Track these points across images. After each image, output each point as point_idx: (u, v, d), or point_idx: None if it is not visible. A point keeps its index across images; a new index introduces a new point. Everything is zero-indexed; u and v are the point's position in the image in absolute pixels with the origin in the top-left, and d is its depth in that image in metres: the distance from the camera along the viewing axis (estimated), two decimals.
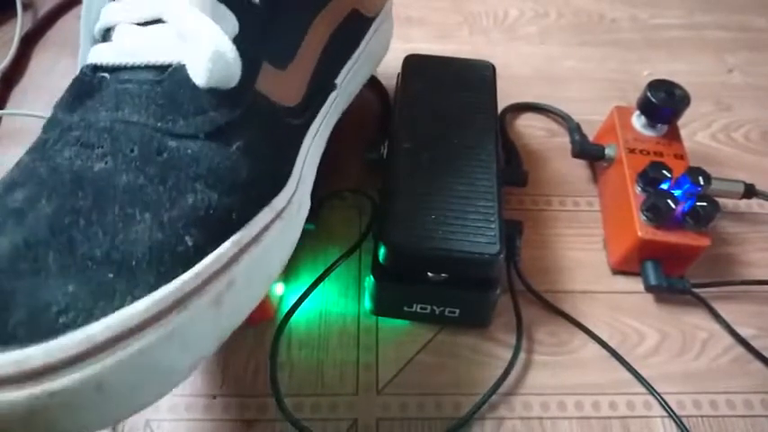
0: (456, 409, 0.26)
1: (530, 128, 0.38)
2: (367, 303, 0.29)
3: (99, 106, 0.19)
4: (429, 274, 0.26)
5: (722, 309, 0.30)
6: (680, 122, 0.33)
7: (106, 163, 0.18)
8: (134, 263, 0.16)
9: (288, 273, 0.30)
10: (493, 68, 0.33)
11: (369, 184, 0.33)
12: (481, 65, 0.34)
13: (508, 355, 0.28)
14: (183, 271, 0.17)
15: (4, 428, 0.14)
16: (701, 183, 0.29)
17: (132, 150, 0.18)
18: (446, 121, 0.30)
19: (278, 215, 0.21)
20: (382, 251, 0.25)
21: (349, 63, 0.29)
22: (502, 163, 0.33)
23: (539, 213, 0.34)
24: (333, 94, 0.27)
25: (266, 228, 0.20)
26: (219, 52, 0.19)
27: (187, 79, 0.19)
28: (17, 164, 0.19)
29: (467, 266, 0.25)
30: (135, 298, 0.16)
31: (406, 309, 0.27)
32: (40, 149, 0.19)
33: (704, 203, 0.28)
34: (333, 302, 0.29)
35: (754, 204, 0.35)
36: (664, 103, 0.31)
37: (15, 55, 0.40)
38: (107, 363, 0.15)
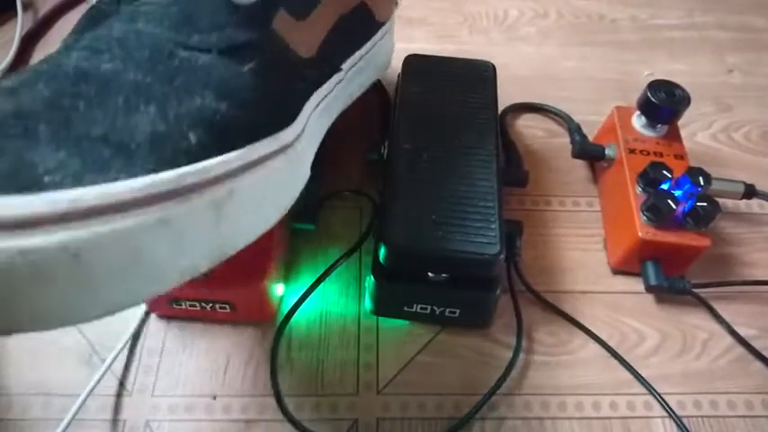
0: (456, 409, 0.26)
1: (530, 128, 0.38)
2: (367, 303, 0.29)
3: (113, 23, 0.19)
4: (429, 274, 0.26)
5: (722, 309, 0.30)
6: (680, 122, 0.33)
7: (113, 64, 0.17)
8: (133, 146, 0.15)
9: (288, 273, 0.30)
10: (493, 68, 0.33)
11: (369, 185, 0.33)
12: (481, 65, 0.34)
13: (508, 355, 0.28)
14: (185, 164, 0.16)
15: None
16: (702, 183, 0.29)
17: (142, 55, 0.18)
18: (446, 121, 0.30)
19: (282, 149, 0.21)
20: (382, 251, 0.25)
21: (355, 55, 0.29)
22: (502, 163, 0.33)
23: (539, 213, 0.34)
24: (337, 77, 0.27)
25: (271, 156, 0.20)
26: None
27: None
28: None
29: (467, 266, 0.25)
30: (131, 176, 0.15)
31: (406, 309, 0.27)
32: (42, 60, 0.18)
33: (704, 204, 0.28)
34: (333, 302, 0.29)
35: (754, 204, 0.35)
36: (664, 103, 0.31)
37: (15, 55, 0.40)
38: (90, 231, 0.14)
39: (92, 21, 0.19)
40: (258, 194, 0.19)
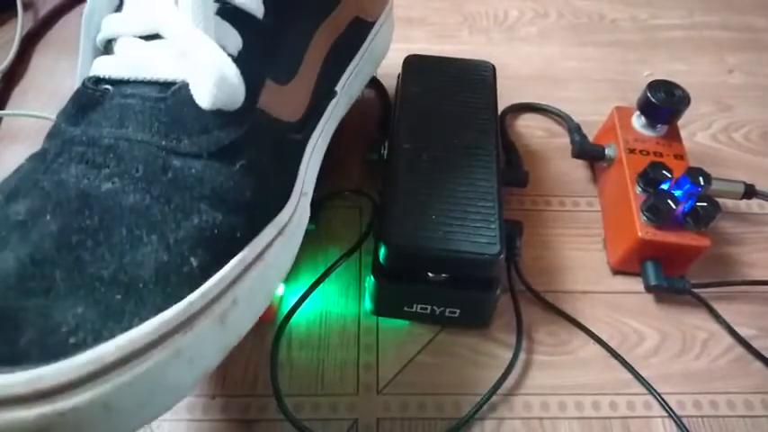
0: (456, 410, 0.26)
1: (530, 128, 0.38)
2: (367, 303, 0.29)
3: (102, 121, 0.19)
4: (429, 274, 0.26)
5: (722, 309, 0.30)
6: (680, 122, 0.33)
7: (113, 183, 0.18)
8: (141, 285, 0.16)
9: (288, 273, 0.30)
10: (493, 68, 0.33)
11: (369, 184, 0.33)
12: (481, 65, 0.34)
13: (508, 355, 0.28)
14: (190, 292, 0.17)
15: None
16: (701, 183, 0.29)
17: (137, 170, 0.18)
18: (446, 121, 0.30)
19: (280, 231, 0.21)
20: (382, 251, 0.25)
21: (349, 68, 0.29)
22: (502, 163, 0.33)
23: (539, 213, 0.34)
24: (332, 102, 0.27)
25: (269, 245, 0.20)
26: (224, 77, 0.19)
27: (191, 98, 0.19)
28: (17, 170, 0.19)
29: (467, 266, 0.25)
30: (143, 319, 0.16)
31: (406, 309, 0.27)
32: (41, 159, 0.19)
33: (704, 204, 0.28)
34: (333, 302, 0.29)
35: (754, 204, 0.35)
36: (664, 103, 0.31)
37: (15, 55, 0.40)
38: (116, 382, 0.15)
39: (82, 108, 0.20)
40: (260, 286, 0.20)
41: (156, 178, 0.18)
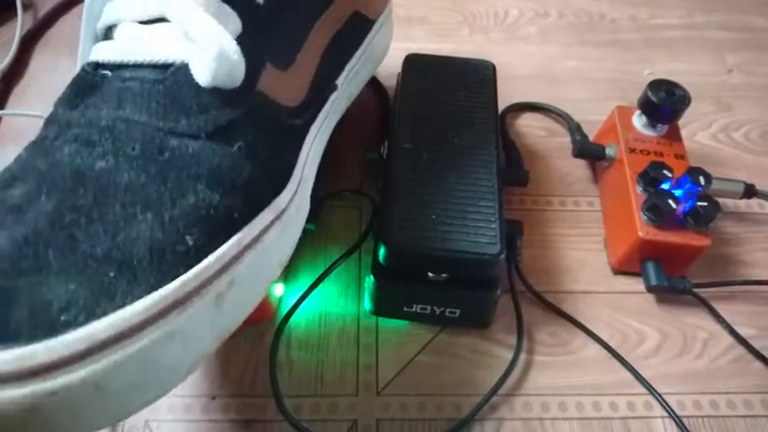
0: (456, 410, 0.26)
1: (530, 128, 0.38)
2: (367, 303, 0.29)
3: (100, 103, 0.19)
4: (429, 274, 0.26)
5: (722, 309, 0.30)
6: (680, 122, 0.33)
7: (107, 161, 0.18)
8: (135, 262, 0.16)
9: (288, 273, 0.30)
10: (493, 68, 0.33)
11: (369, 184, 0.33)
12: (481, 65, 0.34)
13: (509, 355, 0.27)
14: (185, 270, 0.17)
15: (1, 428, 0.14)
16: (702, 183, 0.29)
17: (134, 149, 0.18)
18: (446, 121, 0.30)
19: (278, 216, 0.21)
20: (382, 251, 0.25)
21: (350, 64, 0.29)
22: (502, 163, 0.33)
23: (539, 213, 0.34)
24: (333, 95, 0.27)
25: (267, 229, 0.20)
26: (224, 53, 0.19)
27: (190, 78, 0.19)
28: (16, 159, 0.19)
29: (467, 266, 0.25)
30: (136, 297, 0.16)
31: (406, 309, 0.27)
32: (38, 145, 0.19)
33: (705, 203, 0.28)
34: (333, 302, 0.29)
35: (754, 204, 0.35)
36: (664, 102, 0.31)
37: (15, 55, 0.40)
38: (108, 361, 0.15)
39: (80, 92, 0.20)
40: (257, 270, 0.20)
41: (152, 157, 0.18)
